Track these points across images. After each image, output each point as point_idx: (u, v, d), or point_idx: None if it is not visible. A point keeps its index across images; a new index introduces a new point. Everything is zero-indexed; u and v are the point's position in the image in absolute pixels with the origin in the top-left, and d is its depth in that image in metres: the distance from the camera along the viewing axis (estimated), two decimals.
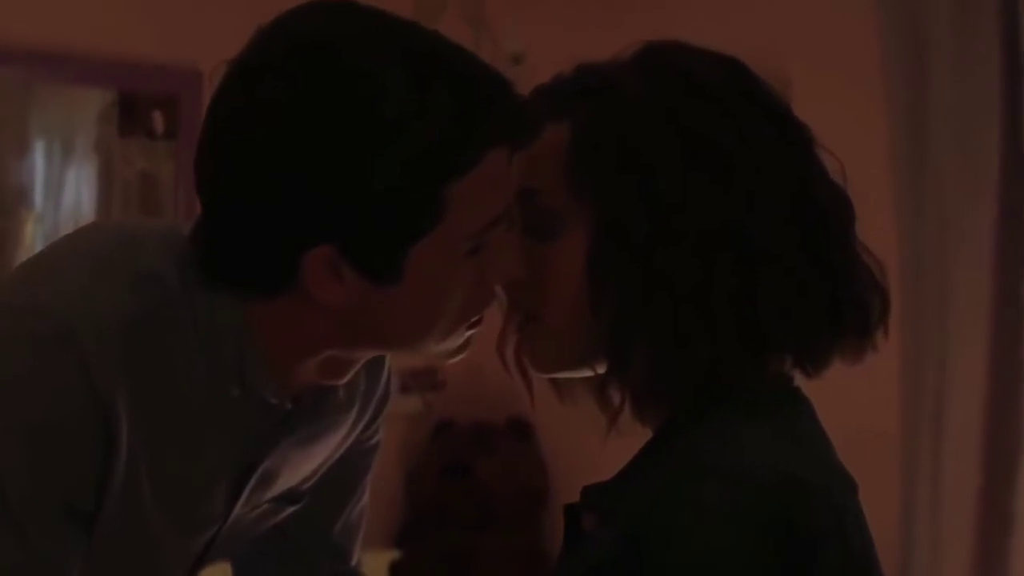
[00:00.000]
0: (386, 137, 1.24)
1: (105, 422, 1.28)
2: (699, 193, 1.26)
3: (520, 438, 4.30)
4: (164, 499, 1.36)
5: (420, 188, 1.25)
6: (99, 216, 3.74)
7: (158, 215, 3.78)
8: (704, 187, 1.26)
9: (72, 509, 1.30)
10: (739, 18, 3.71)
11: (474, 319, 1.36)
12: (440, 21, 1.56)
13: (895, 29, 3.47)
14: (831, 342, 1.31)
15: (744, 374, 1.27)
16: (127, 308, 1.30)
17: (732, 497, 1.17)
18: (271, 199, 1.26)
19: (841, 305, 1.30)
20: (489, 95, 1.28)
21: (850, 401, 2.68)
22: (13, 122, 3.67)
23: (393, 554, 4.18)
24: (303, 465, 1.50)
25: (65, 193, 3.74)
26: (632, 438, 1.32)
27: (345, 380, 1.42)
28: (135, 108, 3.79)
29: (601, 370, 1.31)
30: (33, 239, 3.65)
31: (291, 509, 1.54)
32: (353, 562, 1.68)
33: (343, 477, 1.60)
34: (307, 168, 1.24)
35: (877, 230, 1.39)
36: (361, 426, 1.56)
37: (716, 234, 1.26)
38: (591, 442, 1.31)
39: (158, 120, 3.82)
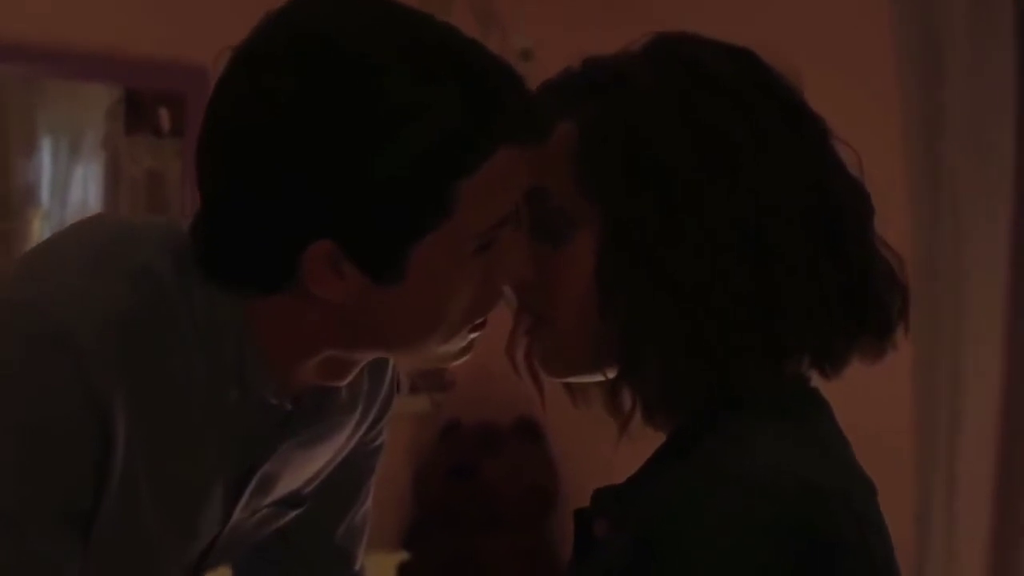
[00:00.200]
0: (390, 130, 1.22)
1: (102, 421, 1.27)
2: (711, 190, 1.23)
3: (528, 439, 4.29)
4: (163, 500, 1.34)
5: (425, 184, 1.23)
6: None
7: (164, 213, 3.78)
8: (716, 183, 1.23)
9: (70, 509, 1.29)
10: (750, 16, 3.69)
11: (478, 321, 1.34)
12: (449, 16, 1.54)
13: (909, 28, 3.46)
14: (850, 341, 1.28)
15: (760, 378, 1.24)
16: (125, 305, 1.29)
17: (749, 504, 1.14)
18: (272, 190, 1.24)
19: (860, 303, 1.27)
20: (501, 91, 1.25)
21: (862, 404, 2.65)
22: (20, 120, 3.69)
23: (401, 555, 4.16)
24: (305, 468, 1.48)
25: (72, 191, 3.76)
26: (644, 439, 1.30)
27: (346, 381, 1.41)
28: (142, 106, 3.81)
29: (612, 374, 1.29)
30: (40, 236, 3.66)
31: (293, 513, 1.53)
32: (357, 566, 1.67)
33: (346, 480, 1.58)
34: (309, 159, 1.23)
35: (890, 230, 1.36)
36: (364, 428, 1.55)
37: (729, 233, 1.23)
38: (602, 443, 1.29)
39: (165, 118, 3.83)
